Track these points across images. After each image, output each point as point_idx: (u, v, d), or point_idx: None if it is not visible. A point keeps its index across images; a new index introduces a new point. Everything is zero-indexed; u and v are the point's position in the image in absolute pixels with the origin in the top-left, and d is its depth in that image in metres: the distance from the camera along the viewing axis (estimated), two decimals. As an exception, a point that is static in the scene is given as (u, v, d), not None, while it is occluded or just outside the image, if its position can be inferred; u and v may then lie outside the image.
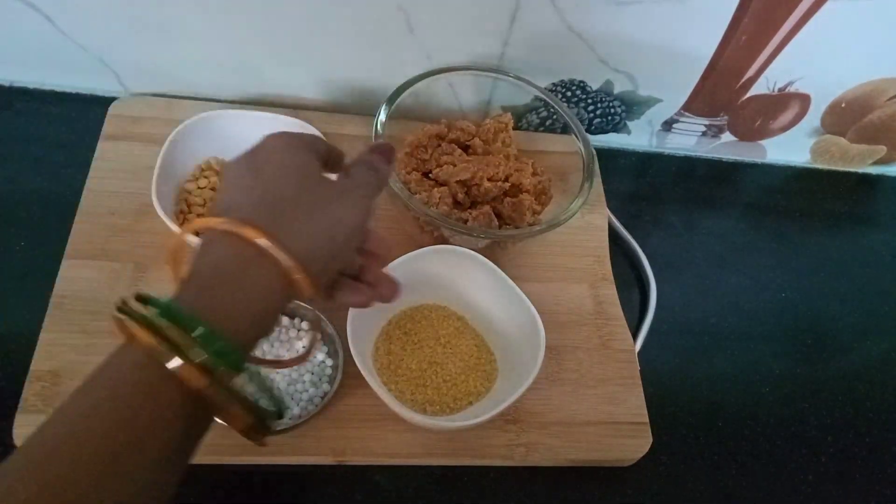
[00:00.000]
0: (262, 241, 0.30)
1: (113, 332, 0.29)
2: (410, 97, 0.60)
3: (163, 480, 0.28)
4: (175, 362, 0.27)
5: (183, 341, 0.27)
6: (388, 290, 0.39)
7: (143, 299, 0.29)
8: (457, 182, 0.58)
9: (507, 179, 0.60)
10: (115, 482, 0.26)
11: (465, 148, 0.63)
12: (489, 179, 0.58)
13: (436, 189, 0.58)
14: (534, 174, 0.62)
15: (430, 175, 0.61)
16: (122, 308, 0.29)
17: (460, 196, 0.58)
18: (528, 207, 0.58)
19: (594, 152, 0.61)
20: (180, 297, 0.29)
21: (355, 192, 0.36)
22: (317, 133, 0.59)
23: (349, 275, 0.38)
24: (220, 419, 0.30)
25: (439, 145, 0.62)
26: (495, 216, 0.59)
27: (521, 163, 0.62)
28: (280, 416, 0.32)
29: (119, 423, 0.26)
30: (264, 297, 0.31)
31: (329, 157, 0.37)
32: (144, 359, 0.27)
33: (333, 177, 0.37)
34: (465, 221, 0.58)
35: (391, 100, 0.59)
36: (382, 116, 0.58)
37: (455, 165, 0.59)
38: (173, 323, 0.28)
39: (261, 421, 0.30)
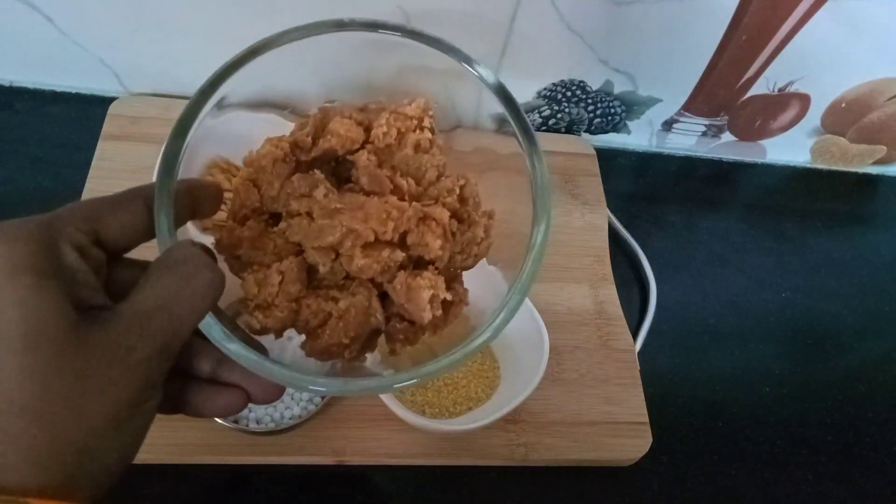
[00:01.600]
0: None
1: None
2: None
3: None
4: None
5: None
6: (260, 386, 0.27)
7: None
8: (316, 249, 0.30)
9: (403, 239, 0.31)
10: None
11: (348, 170, 0.33)
12: (367, 245, 0.30)
13: (278, 263, 0.31)
14: (459, 218, 0.33)
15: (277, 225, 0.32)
16: None
17: (324, 268, 0.31)
18: (428, 300, 0.31)
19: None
20: None
21: (131, 346, 0.22)
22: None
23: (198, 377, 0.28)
24: None
25: (297, 168, 0.34)
26: (379, 304, 0.32)
27: (443, 189, 0.33)
28: None
29: None
30: None
31: (101, 237, 0.24)
32: None
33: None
34: (327, 320, 0.31)
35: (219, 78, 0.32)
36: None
37: (314, 215, 0.31)
38: None
39: None
